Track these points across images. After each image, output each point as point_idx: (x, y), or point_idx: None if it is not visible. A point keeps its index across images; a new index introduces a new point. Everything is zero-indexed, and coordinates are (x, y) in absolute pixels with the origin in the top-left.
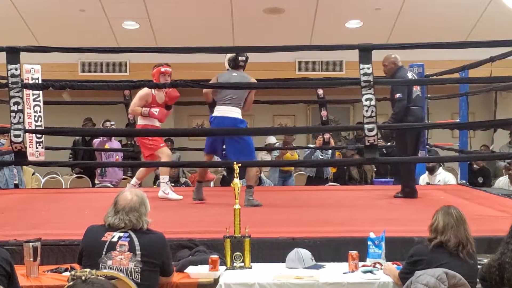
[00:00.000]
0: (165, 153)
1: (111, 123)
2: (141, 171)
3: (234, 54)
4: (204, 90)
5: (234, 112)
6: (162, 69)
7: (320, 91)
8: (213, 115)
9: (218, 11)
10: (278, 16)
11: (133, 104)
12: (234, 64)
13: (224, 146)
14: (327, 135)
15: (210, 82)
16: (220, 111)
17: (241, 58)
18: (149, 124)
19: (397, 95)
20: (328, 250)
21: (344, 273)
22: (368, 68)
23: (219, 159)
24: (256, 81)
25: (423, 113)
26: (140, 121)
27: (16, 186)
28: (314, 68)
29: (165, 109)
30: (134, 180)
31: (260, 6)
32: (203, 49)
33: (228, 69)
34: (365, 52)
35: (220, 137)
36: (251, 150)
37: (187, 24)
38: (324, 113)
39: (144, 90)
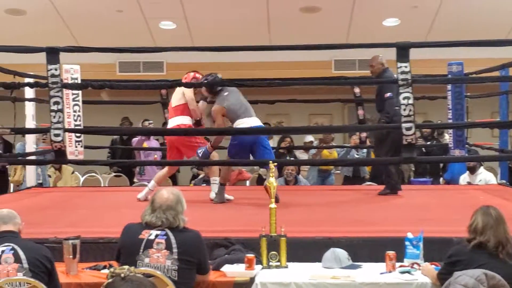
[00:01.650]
0: (214, 154)
1: (149, 122)
2: (162, 175)
3: (213, 77)
4: (218, 122)
5: (257, 121)
6: (197, 75)
7: (357, 90)
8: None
9: (255, 11)
10: (315, 15)
11: (193, 100)
12: (216, 91)
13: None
14: (363, 135)
15: (216, 115)
16: (245, 123)
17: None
18: (187, 124)
19: (388, 94)
20: (365, 250)
21: (381, 274)
22: (406, 67)
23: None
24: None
25: None
26: (184, 120)
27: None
28: (351, 67)
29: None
30: (152, 184)
31: (296, 5)
32: (239, 48)
33: (206, 98)
34: (403, 50)
35: (248, 146)
36: (273, 157)
37: (223, 23)
38: (360, 112)
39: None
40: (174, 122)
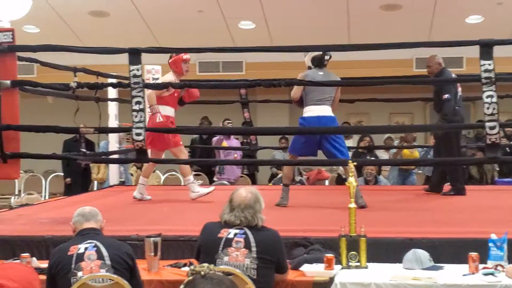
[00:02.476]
0: (184, 152)
1: (229, 121)
2: (147, 168)
3: (320, 52)
4: (294, 90)
5: (329, 111)
6: (184, 56)
7: None
8: (305, 115)
9: (334, 9)
10: (396, 12)
11: (151, 92)
12: (319, 63)
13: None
14: None
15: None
16: (314, 111)
17: (326, 57)
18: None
19: (446, 96)
20: (447, 251)
21: (463, 275)
22: (490, 65)
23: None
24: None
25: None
26: (165, 111)
27: (122, 183)
28: None
29: (179, 104)
30: (141, 180)
31: (377, 3)
32: (318, 48)
33: (309, 68)
34: (487, 48)
35: (315, 138)
36: (346, 149)
37: (302, 23)
38: None
39: (167, 77)
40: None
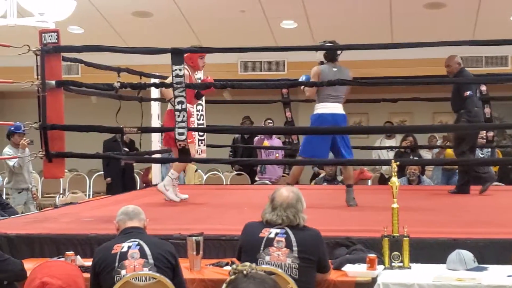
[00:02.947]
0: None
1: (269, 121)
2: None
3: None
4: (311, 89)
5: (341, 109)
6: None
7: (483, 88)
8: (319, 112)
9: (377, 8)
10: (439, 11)
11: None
12: (332, 58)
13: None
14: (490, 133)
15: (312, 76)
16: (328, 108)
17: (338, 52)
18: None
19: (468, 93)
20: (491, 252)
21: (508, 276)
22: None
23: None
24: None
25: None
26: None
27: None
28: (477, 64)
29: (195, 97)
30: (171, 173)
31: (420, 1)
32: (360, 47)
33: (321, 62)
34: None
35: (329, 138)
36: (351, 149)
37: (344, 21)
38: (487, 110)
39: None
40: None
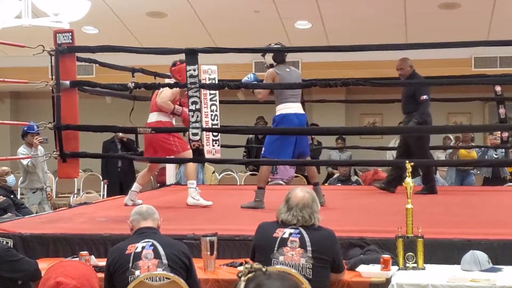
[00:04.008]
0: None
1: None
2: (143, 174)
3: (279, 45)
4: (262, 91)
5: (302, 109)
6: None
7: (498, 88)
8: (283, 113)
9: (391, 8)
10: (454, 11)
11: (165, 97)
12: (282, 59)
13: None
14: (505, 134)
15: (266, 79)
16: (292, 108)
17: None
18: (166, 121)
19: (424, 97)
20: (506, 253)
21: None
22: None
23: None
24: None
25: None
26: (157, 117)
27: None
28: (492, 64)
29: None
30: (136, 186)
31: (435, 1)
32: (375, 47)
33: (271, 65)
34: None
35: (293, 138)
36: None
37: (359, 22)
38: (502, 110)
39: (174, 89)
40: (152, 117)
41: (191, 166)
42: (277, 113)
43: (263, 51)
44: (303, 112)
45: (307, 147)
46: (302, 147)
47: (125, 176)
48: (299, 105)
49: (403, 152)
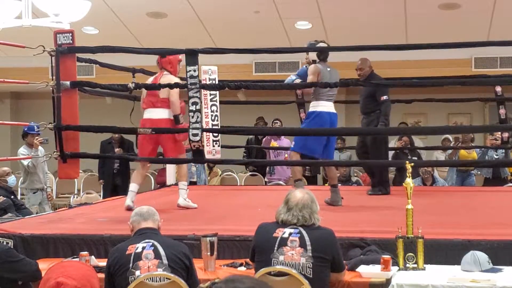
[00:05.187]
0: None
1: (275, 122)
2: (137, 175)
3: (325, 44)
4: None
5: (334, 108)
6: (180, 57)
7: (498, 89)
8: (317, 110)
9: (392, 9)
10: (454, 11)
11: (176, 93)
12: (325, 57)
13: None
14: (505, 134)
15: (312, 73)
16: (326, 106)
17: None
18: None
19: (384, 97)
20: (506, 253)
21: None
22: None
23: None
24: None
25: None
26: (169, 115)
27: (194, 183)
28: (492, 65)
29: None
30: (132, 186)
31: (435, 2)
32: (375, 48)
33: (314, 61)
34: None
35: (324, 137)
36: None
37: (359, 22)
38: (502, 111)
39: (173, 78)
40: (158, 113)
41: (184, 167)
42: (311, 109)
43: (263, 51)
44: (335, 112)
45: (332, 151)
46: (330, 148)
47: (120, 177)
48: (332, 104)
49: (362, 153)
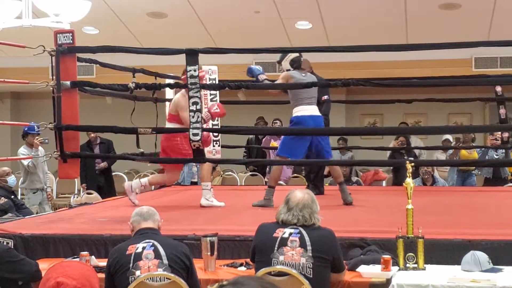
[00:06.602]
0: (205, 164)
1: (274, 121)
2: (159, 178)
3: (297, 54)
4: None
5: (317, 111)
6: (201, 74)
7: (499, 89)
8: (298, 115)
9: (392, 9)
10: (454, 11)
11: (183, 109)
12: (298, 65)
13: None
14: (505, 134)
15: (281, 79)
16: (306, 110)
17: (302, 59)
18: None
19: (325, 97)
20: (506, 253)
21: None
22: None
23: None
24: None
25: None
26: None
27: (194, 184)
28: (492, 65)
29: None
30: (144, 180)
31: (435, 2)
32: (375, 48)
33: (288, 70)
34: None
35: (308, 139)
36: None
37: (359, 22)
38: (502, 111)
39: (182, 98)
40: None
41: (206, 168)
42: (293, 115)
43: (264, 51)
44: (319, 114)
45: (324, 149)
46: (319, 147)
47: (103, 177)
48: (314, 107)
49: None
